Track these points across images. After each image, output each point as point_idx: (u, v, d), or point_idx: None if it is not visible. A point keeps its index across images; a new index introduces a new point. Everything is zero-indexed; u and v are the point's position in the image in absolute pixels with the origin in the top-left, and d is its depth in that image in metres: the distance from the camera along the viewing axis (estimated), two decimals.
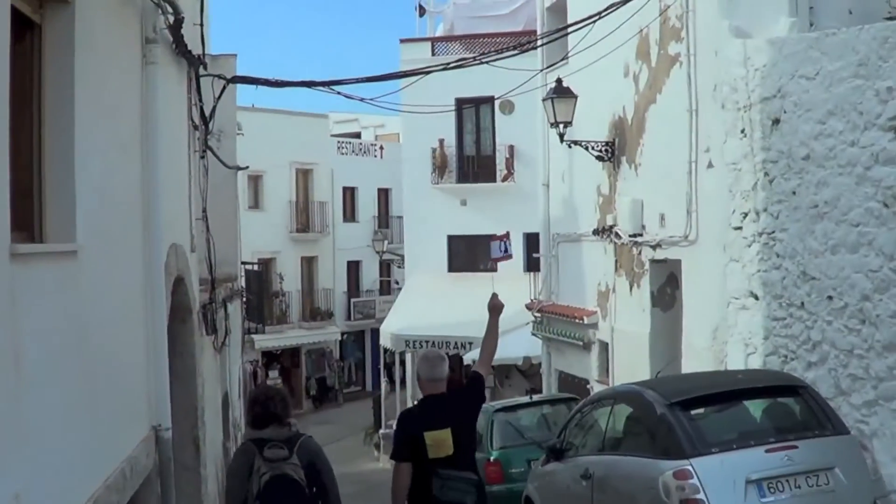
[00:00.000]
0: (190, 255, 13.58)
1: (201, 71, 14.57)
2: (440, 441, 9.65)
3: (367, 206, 59.96)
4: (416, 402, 10.76)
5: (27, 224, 6.87)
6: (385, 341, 42.63)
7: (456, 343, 37.83)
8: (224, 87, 15.69)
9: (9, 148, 5.83)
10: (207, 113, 15.55)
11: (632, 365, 19.82)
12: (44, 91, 7.22)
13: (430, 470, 9.53)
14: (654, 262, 19.00)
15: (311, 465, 9.00)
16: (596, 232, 22.13)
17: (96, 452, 7.85)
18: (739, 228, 15.24)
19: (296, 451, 8.88)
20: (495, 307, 10.76)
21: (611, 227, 21.12)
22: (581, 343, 23.12)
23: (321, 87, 15.49)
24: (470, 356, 36.77)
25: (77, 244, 7.25)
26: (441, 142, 41.81)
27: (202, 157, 15.56)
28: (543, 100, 22.45)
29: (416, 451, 9.68)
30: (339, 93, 15.51)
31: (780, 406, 11.62)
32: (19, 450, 5.90)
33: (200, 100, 15.02)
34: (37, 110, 7.17)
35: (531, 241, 34.30)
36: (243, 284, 27.74)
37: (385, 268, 59.03)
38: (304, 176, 55.76)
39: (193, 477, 13.26)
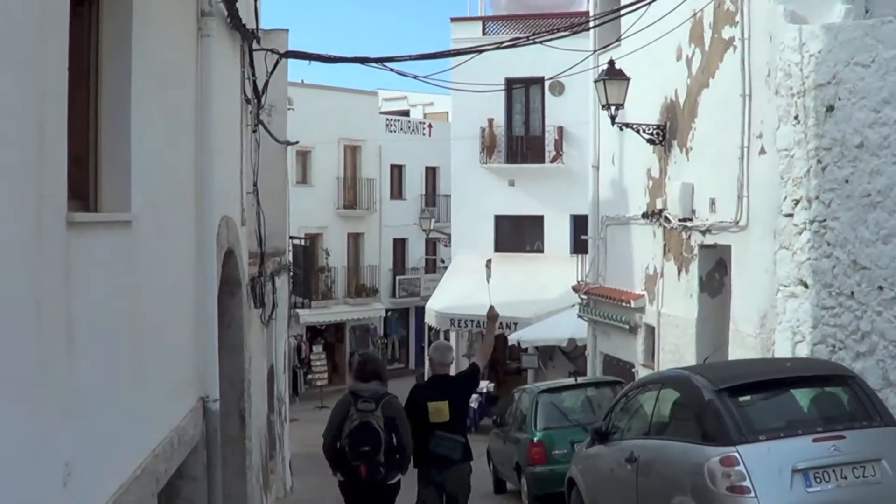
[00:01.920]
0: (240, 228, 13.62)
1: (254, 45, 14.59)
2: (439, 410, 12.54)
3: (414, 184, 59.86)
4: (426, 379, 13.85)
5: (83, 193, 6.89)
6: (430, 319, 42.78)
7: (501, 323, 37.73)
8: (277, 62, 15.73)
9: (67, 117, 5.85)
10: (260, 87, 15.58)
11: (678, 350, 19.78)
12: (101, 61, 7.23)
13: (429, 431, 12.42)
14: (703, 247, 18.92)
15: (391, 418, 11.66)
16: (645, 215, 22.06)
17: (145, 422, 7.88)
18: (790, 216, 15.15)
19: (381, 407, 11.59)
20: (493, 317, 14.07)
21: (660, 210, 21.04)
22: (627, 326, 23.08)
23: (374, 64, 15.50)
24: (514, 336, 36.89)
25: (132, 214, 7.25)
26: (490, 121, 41.81)
27: (254, 132, 15.59)
28: (595, 81, 22.39)
29: (420, 416, 12.47)
30: (391, 69, 15.50)
31: (828, 395, 11.59)
32: (70, 418, 5.93)
33: (253, 74, 15.05)
34: (94, 80, 7.18)
35: (579, 222, 34.34)
36: (290, 259, 27.81)
37: (431, 246, 59.01)
38: (352, 152, 55.75)
39: (238, 448, 13.32)
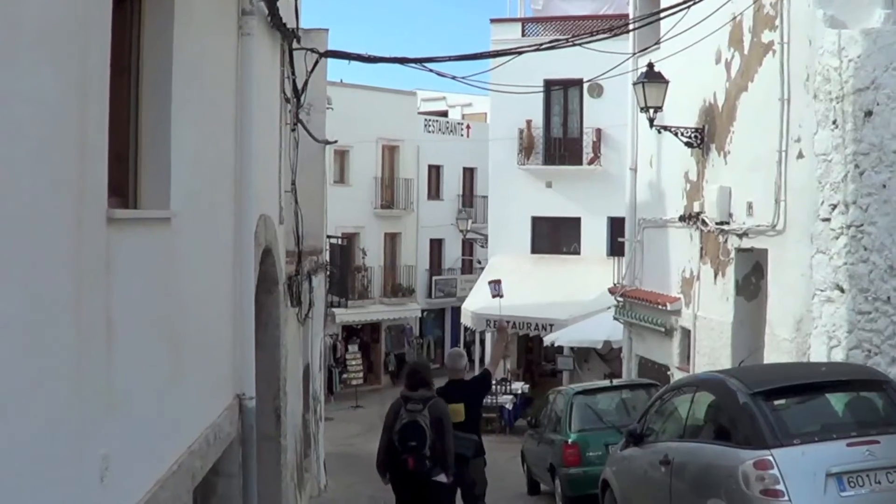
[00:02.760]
0: (278, 226, 13.66)
1: (294, 44, 14.62)
2: (456, 411, 13.73)
3: (451, 184, 59.78)
4: (443, 384, 14.59)
5: (122, 190, 6.94)
6: (465, 320, 42.78)
7: (536, 325, 37.89)
8: (317, 61, 15.74)
9: (108, 113, 5.90)
10: (299, 86, 15.61)
11: (713, 353, 19.75)
12: (142, 58, 7.28)
13: None
14: (739, 250, 18.89)
15: (437, 418, 12.86)
16: (682, 218, 22.03)
17: (182, 418, 7.93)
18: (828, 220, 15.09)
19: (427, 408, 12.82)
20: (501, 329, 16.95)
21: (697, 214, 21.01)
22: (663, 329, 23.05)
23: (413, 64, 15.51)
24: (550, 338, 36.91)
25: (171, 211, 7.30)
26: (528, 123, 41.82)
27: (293, 130, 15.61)
28: (634, 84, 22.36)
29: None
30: (430, 70, 15.52)
31: (863, 400, 11.56)
32: (108, 413, 5.98)
33: (293, 73, 15.07)
34: (135, 77, 7.23)
35: (616, 225, 34.33)
36: (327, 258, 27.86)
37: (468, 247, 58.93)
38: (390, 152, 55.76)
39: (273, 446, 13.37)
